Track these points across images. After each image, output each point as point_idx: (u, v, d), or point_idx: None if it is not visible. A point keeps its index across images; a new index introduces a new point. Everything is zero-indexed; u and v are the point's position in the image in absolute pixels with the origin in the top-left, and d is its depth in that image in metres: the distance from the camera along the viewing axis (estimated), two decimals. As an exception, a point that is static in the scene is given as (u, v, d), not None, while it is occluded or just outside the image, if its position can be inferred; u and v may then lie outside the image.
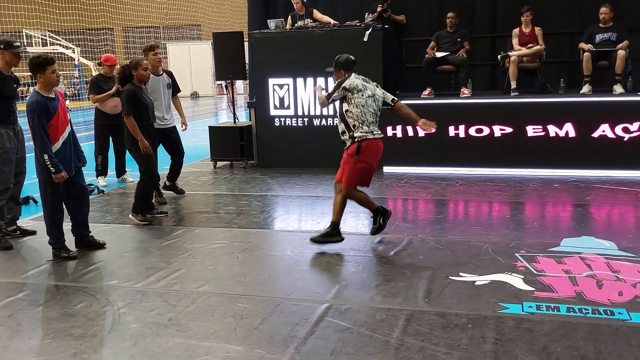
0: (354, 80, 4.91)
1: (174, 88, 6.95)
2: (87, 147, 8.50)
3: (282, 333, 3.50)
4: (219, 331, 3.57)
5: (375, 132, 4.93)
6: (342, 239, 5.04)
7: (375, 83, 5.13)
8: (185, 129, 7.23)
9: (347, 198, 5.05)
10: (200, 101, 24.95)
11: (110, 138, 7.77)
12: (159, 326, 3.67)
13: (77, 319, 3.80)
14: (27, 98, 5.09)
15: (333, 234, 5.04)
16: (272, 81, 8.53)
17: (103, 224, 6.02)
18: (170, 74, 6.94)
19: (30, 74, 4.88)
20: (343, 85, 4.90)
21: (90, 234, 5.26)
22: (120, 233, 5.72)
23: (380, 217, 5.17)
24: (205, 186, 7.74)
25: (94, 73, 17.72)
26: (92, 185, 7.50)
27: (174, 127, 6.91)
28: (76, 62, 26.07)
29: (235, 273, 4.55)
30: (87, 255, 5.06)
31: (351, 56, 5.10)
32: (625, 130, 7.28)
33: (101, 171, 7.87)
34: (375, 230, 5.19)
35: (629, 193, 6.53)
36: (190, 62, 26.75)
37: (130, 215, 5.97)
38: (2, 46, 5.20)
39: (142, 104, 5.80)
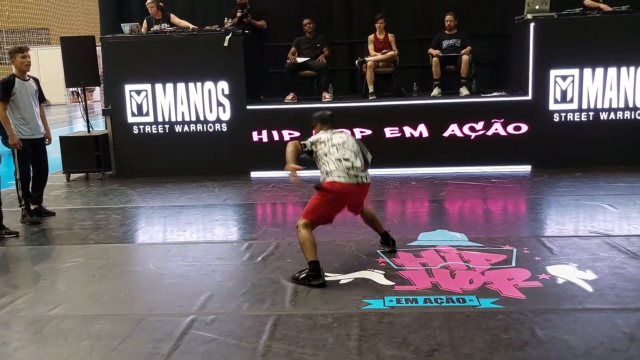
0: (320, 135, 4.67)
1: (40, 96, 6.29)
2: None
3: (144, 351, 3.32)
4: (74, 356, 3.31)
5: (340, 176, 4.47)
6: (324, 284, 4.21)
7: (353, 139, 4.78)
8: (50, 142, 6.50)
9: (298, 228, 4.45)
10: (52, 110, 23.19)
11: None
12: (3, 357, 3.31)
13: None
14: None
15: (311, 276, 4.24)
16: (128, 87, 8.13)
17: None
18: (36, 81, 6.28)
19: None
20: (309, 140, 4.65)
21: None
22: (-45, 258, 5.11)
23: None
24: (58, 201, 7.16)
25: None
26: None
27: (42, 138, 6.26)
28: None
29: (92, 292, 4.24)
30: None
31: (327, 111, 4.94)
32: (472, 129, 7.90)
33: None
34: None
35: (477, 187, 7.09)
36: (39, 68, 24.77)
37: None
38: None
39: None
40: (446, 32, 8.44)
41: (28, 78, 6.15)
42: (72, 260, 4.95)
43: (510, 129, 7.86)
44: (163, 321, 3.71)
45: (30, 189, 6.23)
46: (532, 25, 7.70)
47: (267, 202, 6.89)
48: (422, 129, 7.96)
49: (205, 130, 8.15)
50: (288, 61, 8.47)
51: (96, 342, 3.46)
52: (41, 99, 6.34)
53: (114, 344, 3.43)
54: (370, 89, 8.28)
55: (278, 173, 7.99)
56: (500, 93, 8.12)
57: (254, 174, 8.11)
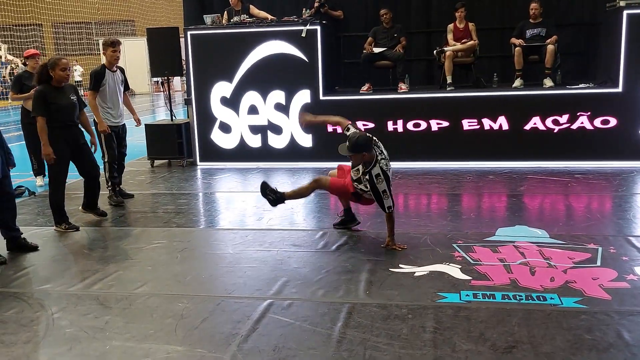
0: (377, 167, 4.79)
1: (125, 85, 6.71)
2: (19, 147, 8.13)
3: (224, 331, 3.45)
4: (159, 332, 3.48)
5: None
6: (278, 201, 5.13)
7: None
8: (139, 124, 7.08)
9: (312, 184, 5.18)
10: (136, 99, 24.26)
11: None
12: (96, 330, 3.54)
13: (8, 326, 3.62)
14: None
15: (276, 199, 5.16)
16: (211, 77, 8.37)
17: (35, 226, 5.76)
18: (122, 71, 6.68)
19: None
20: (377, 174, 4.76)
21: (22, 236, 5.03)
22: (53, 235, 5.50)
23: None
24: (143, 185, 7.54)
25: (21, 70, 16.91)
26: (23, 187, 7.18)
27: (124, 125, 6.68)
28: (3, 60, 24.82)
29: (175, 273, 4.45)
30: (18, 259, 4.84)
31: (367, 133, 5.04)
32: (555, 122, 7.60)
33: (38, 170, 7.54)
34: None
35: (559, 183, 6.82)
36: (125, 58, 25.95)
37: (53, 229, 5.67)
38: None
39: (52, 104, 5.37)
40: (530, 20, 8.13)
41: (116, 69, 6.51)
42: (157, 242, 5.20)
43: (598, 122, 7.49)
44: (241, 303, 3.83)
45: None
46: (625, 13, 7.28)
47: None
48: (502, 122, 7.73)
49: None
50: (364, 51, 8.44)
51: (179, 320, 3.63)
52: (126, 87, 6.71)
53: (196, 323, 3.58)
54: (449, 79, 8.12)
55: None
56: (588, 85, 7.75)
57: (328, 164, 8.16)
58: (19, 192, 6.98)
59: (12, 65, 23.68)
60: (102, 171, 6.11)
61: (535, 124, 7.64)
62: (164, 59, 8.73)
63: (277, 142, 8.34)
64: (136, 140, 9.55)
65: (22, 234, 5.07)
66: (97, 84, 6.31)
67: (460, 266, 4.32)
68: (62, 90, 5.50)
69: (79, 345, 3.36)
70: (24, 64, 9.08)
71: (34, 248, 5.03)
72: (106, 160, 6.44)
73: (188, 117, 8.90)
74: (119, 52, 6.46)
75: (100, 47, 26.03)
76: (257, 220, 5.83)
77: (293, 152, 8.30)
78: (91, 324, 3.61)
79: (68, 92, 5.56)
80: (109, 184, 6.50)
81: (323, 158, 8.00)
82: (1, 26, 25.97)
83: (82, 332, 3.51)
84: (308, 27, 7.99)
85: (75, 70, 23.50)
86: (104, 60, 6.59)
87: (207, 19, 8.42)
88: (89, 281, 4.31)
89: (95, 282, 4.29)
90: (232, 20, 8.45)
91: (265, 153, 8.38)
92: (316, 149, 8.23)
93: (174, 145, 8.58)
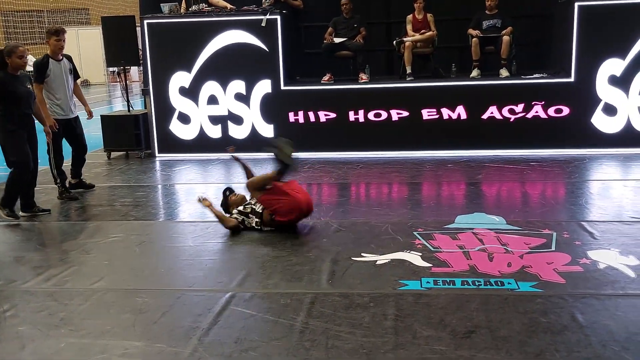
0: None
1: (74, 74, 6.45)
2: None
3: (184, 325, 3.40)
4: (116, 328, 3.41)
5: None
6: None
7: None
8: (91, 117, 6.78)
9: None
10: (91, 89, 23.64)
11: None
12: (50, 327, 3.44)
13: (-45, 327, 3.48)
14: None
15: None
16: (168, 67, 8.21)
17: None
18: (70, 59, 6.41)
19: None
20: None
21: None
22: (3, 230, 5.30)
23: None
24: (99, 178, 7.34)
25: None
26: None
27: (77, 117, 6.45)
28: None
29: (133, 267, 4.36)
30: (-35, 257, 4.65)
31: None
32: (511, 111, 7.75)
33: None
34: None
35: (515, 170, 6.97)
36: (79, 48, 25.23)
37: None
38: None
39: (11, 92, 5.25)
40: (487, 12, 8.24)
41: (61, 57, 6.24)
42: (114, 235, 5.08)
43: (551, 111, 7.68)
44: (202, 297, 3.79)
45: (71, 166, 6.42)
46: (576, 5, 7.46)
47: (303, 183, 6.89)
48: (461, 111, 7.84)
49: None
50: (325, 41, 8.42)
51: (138, 315, 3.56)
52: (75, 76, 6.47)
53: (155, 317, 3.52)
54: (408, 69, 8.18)
55: (314, 154, 8.03)
56: (542, 75, 7.92)
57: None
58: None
59: None
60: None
61: (492, 113, 7.78)
62: (120, 48, 8.51)
63: (238, 132, 8.25)
64: (92, 132, 9.29)
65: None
66: (41, 76, 6.05)
67: (420, 254, 4.37)
68: (19, 79, 5.35)
69: (33, 344, 3.26)
70: None
71: (-16, 244, 4.86)
72: (51, 156, 6.15)
73: (146, 108, 8.72)
74: (64, 40, 6.19)
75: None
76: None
77: (254, 142, 8.22)
78: (45, 321, 3.51)
79: (24, 80, 5.40)
80: (57, 180, 6.26)
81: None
82: (-55, 14, 24.86)
83: (36, 330, 3.40)
84: (268, 16, 7.91)
85: (27, 60, 22.70)
86: (48, 51, 6.31)
87: (165, 7, 8.24)
88: (43, 277, 4.18)
89: (50, 278, 4.16)
90: (190, 9, 8.29)
91: (226, 144, 8.26)
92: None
93: (131, 136, 8.39)
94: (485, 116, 7.80)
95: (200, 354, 3.09)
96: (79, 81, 6.60)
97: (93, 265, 4.42)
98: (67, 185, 6.40)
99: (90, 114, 6.76)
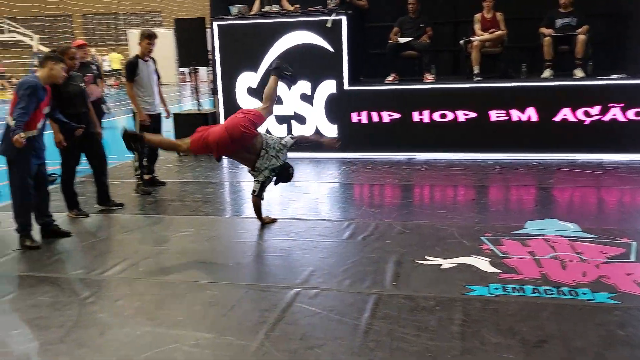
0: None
1: (157, 75, 6.84)
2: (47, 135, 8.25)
3: (251, 319, 3.48)
4: (188, 319, 3.53)
5: None
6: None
7: None
8: (169, 117, 7.25)
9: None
10: (163, 88, 24.46)
11: None
12: (126, 315, 3.61)
13: (42, 310, 3.71)
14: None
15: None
16: (236, 68, 8.40)
17: (65, 213, 5.85)
18: (154, 61, 6.80)
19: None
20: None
21: (54, 223, 5.14)
22: (84, 222, 5.59)
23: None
24: (171, 174, 7.61)
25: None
26: (54, 174, 7.30)
27: (159, 114, 6.81)
28: (35, 50, 25.23)
29: (203, 261, 4.50)
30: (52, 245, 4.94)
31: None
32: (586, 114, 7.45)
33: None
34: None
35: (590, 176, 6.70)
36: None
37: (66, 214, 5.74)
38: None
39: (62, 92, 5.40)
40: (560, 10, 7.95)
41: (148, 59, 6.62)
42: (184, 230, 5.25)
43: (631, 114, 7.32)
44: (268, 292, 3.86)
45: (146, 162, 6.70)
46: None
47: (365, 183, 6.91)
48: (531, 113, 7.60)
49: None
50: (390, 41, 8.37)
51: (208, 307, 3.67)
52: (157, 77, 6.79)
53: (224, 311, 3.62)
54: (476, 70, 8.01)
55: (377, 154, 8.01)
56: (620, 76, 7.57)
57: (352, 155, 8.14)
58: (51, 179, 7.10)
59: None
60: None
61: (565, 115, 7.50)
62: (191, 49, 8.79)
63: (302, 132, 8.33)
64: (164, 130, 9.64)
65: (54, 220, 5.17)
66: (132, 74, 6.47)
67: (488, 259, 4.27)
68: (71, 78, 5.56)
69: (110, 331, 3.42)
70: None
71: (67, 234, 5.13)
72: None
73: (214, 107, 8.95)
74: (154, 45, 6.58)
75: (129, 38, 26.24)
76: (282, 209, 5.84)
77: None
78: (122, 310, 3.68)
79: (77, 79, 5.63)
80: (138, 172, 6.58)
81: (348, 149, 7.97)
82: (33, 17, 26.42)
83: (113, 318, 3.57)
84: (333, 17, 7.95)
85: (104, 60, 23.77)
86: (136, 50, 6.69)
87: (234, 9, 8.43)
88: (119, 267, 4.38)
89: (126, 269, 4.35)
90: (263, 9, 8.43)
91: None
92: (341, 139, 8.20)
93: (200, 134, 8.62)
94: (557, 118, 7.53)
95: (267, 349, 3.15)
96: (171, 85, 6.88)
97: (165, 257, 4.59)
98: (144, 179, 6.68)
99: (168, 113, 7.18)
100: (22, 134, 4.47)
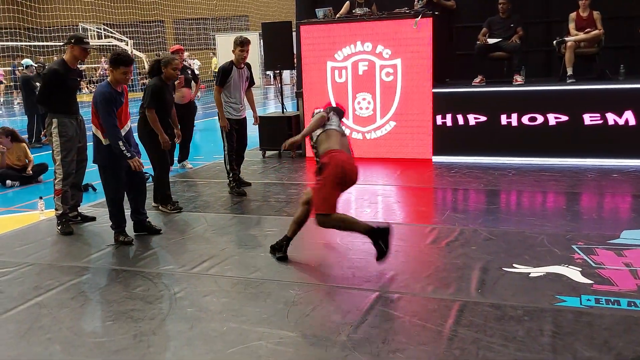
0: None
1: (250, 81, 6.93)
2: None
3: (334, 320, 3.52)
4: (272, 317, 3.61)
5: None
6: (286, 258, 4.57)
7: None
8: (257, 123, 7.34)
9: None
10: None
11: None
12: (214, 311, 3.74)
13: (136, 302, 3.92)
14: (93, 90, 5.37)
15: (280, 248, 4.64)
16: (322, 70, 8.50)
17: (159, 210, 6.16)
18: (249, 67, 6.89)
19: (94, 67, 5.10)
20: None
21: (147, 220, 5.42)
22: (174, 219, 5.86)
23: (377, 238, 4.29)
24: (255, 175, 7.83)
25: (147, 66, 18.11)
26: (147, 173, 7.71)
27: (245, 118, 6.93)
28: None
29: (287, 260, 4.59)
30: (144, 241, 5.22)
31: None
32: (691, 118, 6.94)
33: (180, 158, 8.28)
34: (379, 256, 4.31)
35: (694, 184, 6.23)
36: (239, 52, 27.01)
37: (160, 207, 6.10)
38: (72, 41, 5.48)
39: (163, 99, 5.87)
40: (664, 7, 7.47)
41: (243, 66, 6.70)
42: (269, 229, 5.39)
43: None
44: (350, 294, 3.88)
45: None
46: None
47: (449, 188, 6.78)
48: (629, 116, 7.17)
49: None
50: (478, 42, 8.17)
51: (291, 306, 3.75)
52: (250, 83, 6.91)
53: (307, 310, 3.68)
54: (569, 71, 7.66)
55: (462, 158, 7.85)
56: None
57: (437, 159, 8.03)
58: (145, 177, 7.50)
59: (137, 61, 25.43)
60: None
61: (667, 119, 7.03)
62: (277, 52, 8.98)
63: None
64: (249, 132, 9.92)
65: (148, 217, 5.46)
66: (224, 80, 6.59)
67: (580, 269, 4.08)
68: (169, 87, 6.04)
69: (199, 325, 3.57)
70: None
71: (158, 231, 5.41)
72: (226, 152, 6.75)
73: (298, 110, 9.10)
74: (247, 52, 6.59)
75: (217, 42, 27.10)
76: (364, 212, 5.85)
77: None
78: (210, 305, 3.82)
79: (172, 89, 6.10)
80: (229, 174, 6.79)
81: (432, 152, 7.86)
82: (127, 23, 27.99)
83: (202, 313, 3.72)
84: (420, 18, 7.86)
85: (194, 64, 24.76)
86: (223, 53, 6.89)
87: (319, 12, 8.53)
88: (207, 264, 4.56)
89: (213, 265, 4.53)
90: (353, 11, 8.47)
91: (369, 146, 8.38)
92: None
93: (284, 136, 8.74)
94: (658, 122, 7.06)
95: (349, 351, 3.17)
96: (252, 87, 7.04)
97: (251, 256, 4.72)
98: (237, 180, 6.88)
99: (256, 120, 7.27)
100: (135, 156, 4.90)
